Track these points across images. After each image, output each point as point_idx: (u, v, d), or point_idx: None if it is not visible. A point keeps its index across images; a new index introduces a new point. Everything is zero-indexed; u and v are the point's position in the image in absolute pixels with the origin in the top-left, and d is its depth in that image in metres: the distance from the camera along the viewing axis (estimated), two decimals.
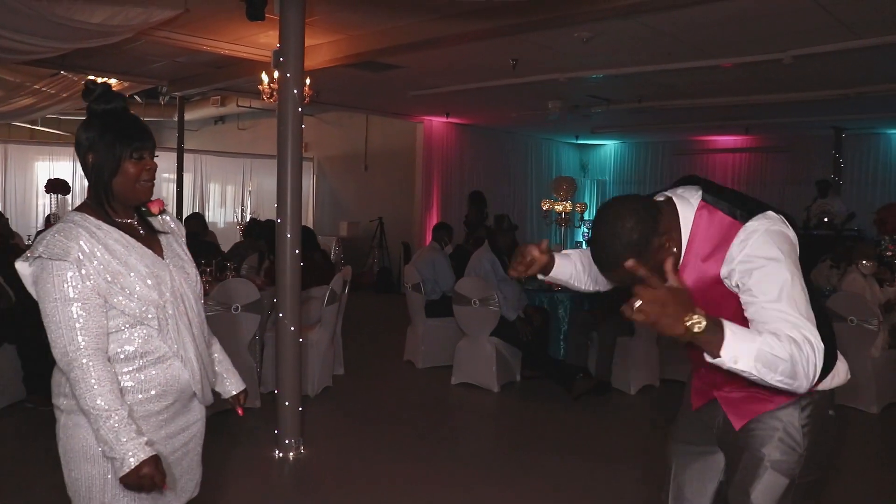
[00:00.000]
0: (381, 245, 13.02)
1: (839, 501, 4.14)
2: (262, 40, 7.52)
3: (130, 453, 1.87)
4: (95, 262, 1.95)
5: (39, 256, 1.94)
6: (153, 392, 2.06)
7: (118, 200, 2.07)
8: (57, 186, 12.27)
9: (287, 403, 4.57)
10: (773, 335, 1.71)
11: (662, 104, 10.05)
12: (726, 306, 1.89)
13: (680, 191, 2.06)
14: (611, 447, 5.03)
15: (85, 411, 1.91)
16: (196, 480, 2.32)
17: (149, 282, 2.02)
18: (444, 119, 12.58)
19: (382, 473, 4.43)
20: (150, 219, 2.20)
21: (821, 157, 12.97)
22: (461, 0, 5.46)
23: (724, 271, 1.91)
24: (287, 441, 4.58)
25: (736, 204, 1.97)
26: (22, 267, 1.99)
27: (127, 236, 2.05)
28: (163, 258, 2.12)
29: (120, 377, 2.00)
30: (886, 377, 5.96)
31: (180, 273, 2.14)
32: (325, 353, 5.98)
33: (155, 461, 1.92)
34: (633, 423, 5.68)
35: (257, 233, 8.17)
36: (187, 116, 12.41)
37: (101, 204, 2.06)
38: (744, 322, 1.82)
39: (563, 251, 2.47)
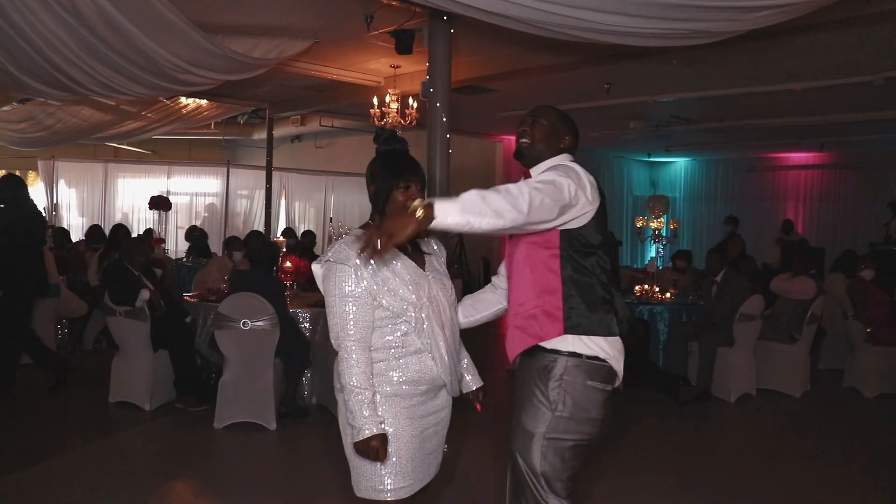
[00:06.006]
0: (461, 260, 13.36)
1: None
2: (371, 66, 8.00)
3: (367, 426, 2.26)
4: (370, 268, 2.37)
5: (328, 260, 2.38)
6: (410, 377, 2.43)
7: None
8: (159, 203, 12.97)
9: None
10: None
11: (743, 123, 10.35)
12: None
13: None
14: (732, 449, 5.42)
15: (342, 384, 2.32)
16: (439, 460, 2.65)
17: (410, 286, 2.41)
18: None
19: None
20: (419, 240, 2.61)
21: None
22: (566, 39, 5.84)
23: None
24: None
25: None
26: (316, 268, 2.45)
27: (396, 250, 2.45)
28: (424, 271, 2.54)
29: (383, 362, 2.41)
30: None
31: (438, 284, 2.53)
32: None
33: (382, 438, 2.29)
34: (739, 427, 6.06)
35: None
36: (261, 136, 13.18)
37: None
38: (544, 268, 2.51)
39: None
